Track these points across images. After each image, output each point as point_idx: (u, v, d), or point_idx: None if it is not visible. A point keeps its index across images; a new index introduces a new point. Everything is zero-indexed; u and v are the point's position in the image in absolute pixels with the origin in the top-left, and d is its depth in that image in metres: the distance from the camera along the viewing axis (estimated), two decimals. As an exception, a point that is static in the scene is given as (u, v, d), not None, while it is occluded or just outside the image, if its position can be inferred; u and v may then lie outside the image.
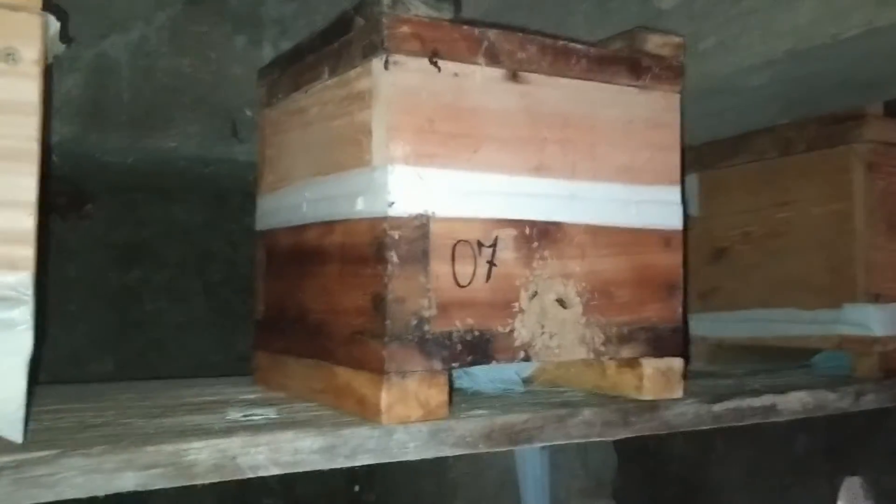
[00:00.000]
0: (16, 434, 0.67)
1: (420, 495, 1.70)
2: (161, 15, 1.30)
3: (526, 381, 1.11)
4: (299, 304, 1.01)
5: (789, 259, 1.38)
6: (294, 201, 1.03)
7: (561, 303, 0.92)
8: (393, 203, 0.83)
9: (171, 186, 1.56)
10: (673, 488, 1.90)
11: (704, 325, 1.52)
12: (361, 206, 0.87)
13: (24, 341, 0.68)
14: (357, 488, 1.70)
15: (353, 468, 1.71)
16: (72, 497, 0.67)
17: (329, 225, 0.94)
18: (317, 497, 1.65)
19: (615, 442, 1.82)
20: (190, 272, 1.61)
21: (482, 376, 1.07)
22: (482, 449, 0.88)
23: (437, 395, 0.85)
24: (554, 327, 0.92)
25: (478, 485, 1.68)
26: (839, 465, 1.87)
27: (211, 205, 1.63)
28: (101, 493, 0.68)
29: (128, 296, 1.53)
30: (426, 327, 0.85)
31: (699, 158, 1.53)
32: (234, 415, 0.87)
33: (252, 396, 1.01)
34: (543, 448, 1.63)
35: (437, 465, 1.69)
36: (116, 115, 1.25)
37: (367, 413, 0.85)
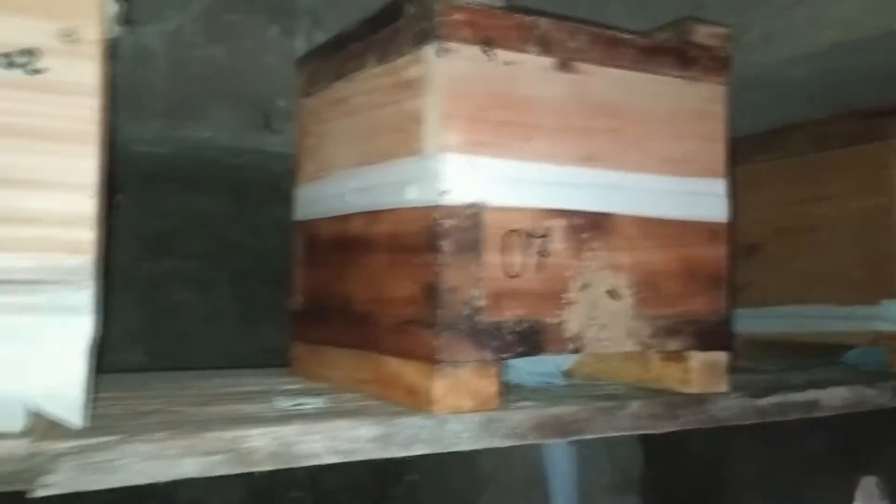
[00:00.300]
0: (77, 419, 0.67)
1: (449, 490, 1.69)
2: (196, 5, 1.30)
3: (565, 374, 1.11)
4: (342, 294, 1.00)
5: (824, 255, 1.37)
6: (336, 191, 1.02)
7: (612, 294, 0.92)
8: (445, 192, 0.83)
9: (199, 177, 1.55)
10: (695, 484, 1.89)
11: (736, 321, 1.51)
12: (412, 195, 0.86)
13: (85, 326, 0.67)
14: (384, 482, 1.70)
15: (380, 463, 1.71)
16: (133, 483, 0.67)
17: (375, 214, 0.94)
18: (343, 490, 1.65)
19: (641, 439, 1.81)
20: (217, 263, 1.60)
21: (523, 369, 1.06)
22: (531, 440, 0.87)
23: (488, 385, 0.85)
24: (604, 319, 0.92)
25: (507, 479, 1.68)
26: (855, 465, 1.87)
27: (237, 196, 1.63)
28: (162, 479, 0.67)
29: (156, 286, 1.53)
30: (477, 317, 0.84)
31: (732, 153, 1.52)
32: (283, 404, 0.86)
33: (294, 386, 1.01)
34: (571, 443, 1.63)
35: (466, 459, 1.69)
36: (153, 105, 1.25)
37: (417, 403, 0.84)
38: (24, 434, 0.65)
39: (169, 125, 1.30)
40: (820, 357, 1.39)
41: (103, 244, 0.69)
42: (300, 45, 1.38)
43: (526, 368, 1.07)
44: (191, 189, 1.57)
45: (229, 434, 0.71)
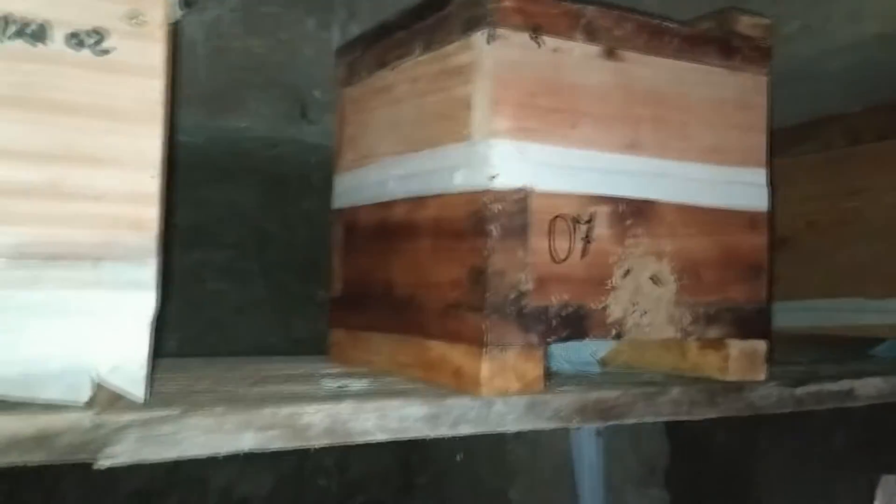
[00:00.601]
0: (139, 393, 0.68)
1: (475, 480, 1.70)
2: (235, -4, 1.31)
3: (601, 363, 1.12)
4: (384, 280, 1.01)
5: (857, 248, 1.38)
6: (379, 178, 1.04)
7: (655, 280, 0.92)
8: (494, 176, 0.84)
9: (234, 168, 1.56)
10: (720, 478, 1.89)
11: (766, 315, 1.52)
12: (460, 181, 0.87)
13: (148, 301, 0.68)
14: (410, 472, 1.71)
15: (406, 452, 1.72)
16: (194, 455, 0.68)
17: (420, 200, 0.95)
18: (370, 478, 1.66)
19: (667, 432, 1.82)
20: (248, 254, 1.62)
21: (559, 356, 1.07)
22: (575, 424, 0.88)
23: (533, 368, 0.86)
24: (646, 305, 0.92)
25: (534, 470, 1.68)
26: (876, 463, 1.87)
27: (270, 188, 1.64)
28: (222, 452, 0.69)
29: (189, 276, 1.54)
30: (524, 301, 0.85)
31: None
32: (330, 384, 0.87)
33: (336, 371, 1.02)
34: (599, 434, 1.64)
35: (492, 450, 1.70)
36: (193, 94, 1.26)
37: (463, 385, 0.85)
38: (87, 406, 0.66)
39: (206, 115, 1.31)
40: (850, 350, 1.39)
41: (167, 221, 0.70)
42: (336, 38, 1.39)
43: (563, 356, 1.07)
44: (226, 180, 1.58)
45: (285, 410, 0.72)
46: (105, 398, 0.67)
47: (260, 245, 1.63)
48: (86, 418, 0.64)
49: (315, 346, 1.23)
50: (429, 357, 0.92)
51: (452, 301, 0.88)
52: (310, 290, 1.62)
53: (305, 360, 1.15)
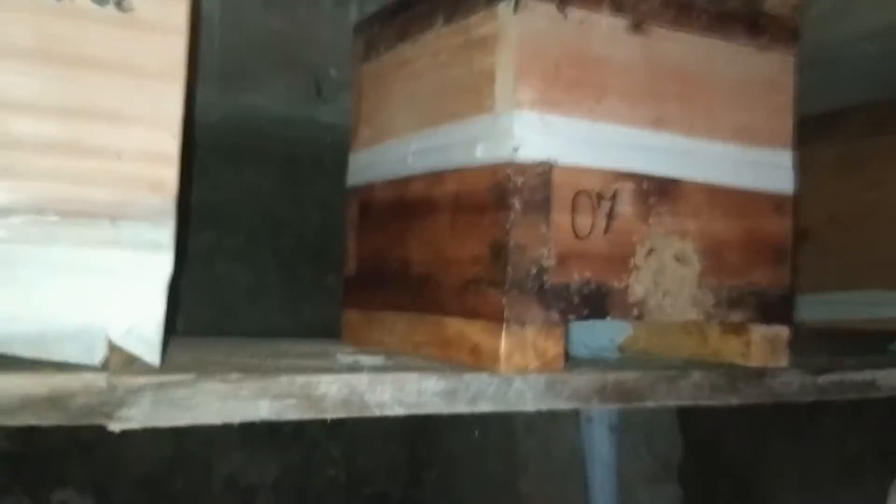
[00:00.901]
0: (154, 357, 0.66)
1: (485, 474, 1.68)
2: (252, -29, 1.29)
3: (619, 349, 1.10)
4: (400, 258, 0.99)
5: (878, 241, 1.35)
6: (396, 154, 1.02)
7: (679, 260, 0.91)
8: (518, 148, 0.82)
9: (245, 150, 1.55)
10: (732, 476, 1.87)
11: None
12: (481, 153, 0.86)
13: (164, 264, 0.67)
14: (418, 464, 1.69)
15: (414, 444, 1.70)
16: (208, 422, 0.66)
17: (439, 175, 0.93)
18: (377, 470, 1.64)
19: (680, 429, 1.79)
20: (260, 238, 1.60)
21: (576, 340, 1.05)
22: (595, 405, 0.87)
23: (553, 346, 0.84)
24: (669, 285, 0.91)
25: (545, 464, 1.66)
26: (888, 466, 1.85)
27: (282, 171, 1.63)
28: (236, 419, 0.67)
29: (200, 258, 1.53)
30: (545, 277, 0.83)
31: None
32: (345, 360, 0.86)
33: (350, 349, 1.00)
34: (612, 429, 1.62)
35: (503, 443, 1.68)
36: (209, 70, 1.24)
37: (481, 363, 0.83)
38: (102, 368, 0.64)
39: (222, 92, 1.29)
40: (871, 344, 1.37)
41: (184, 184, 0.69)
42: (353, 16, 1.37)
43: (581, 341, 1.06)
44: (239, 161, 1.57)
45: (301, 379, 0.70)
46: (119, 361, 0.65)
47: (271, 229, 1.62)
48: (100, 380, 0.63)
49: (325, 332, 1.21)
50: (446, 335, 0.90)
51: (471, 277, 0.86)
52: (321, 275, 1.60)
53: (317, 341, 1.13)
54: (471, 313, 0.86)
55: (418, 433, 1.65)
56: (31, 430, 1.41)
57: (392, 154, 1.03)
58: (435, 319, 0.92)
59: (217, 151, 1.50)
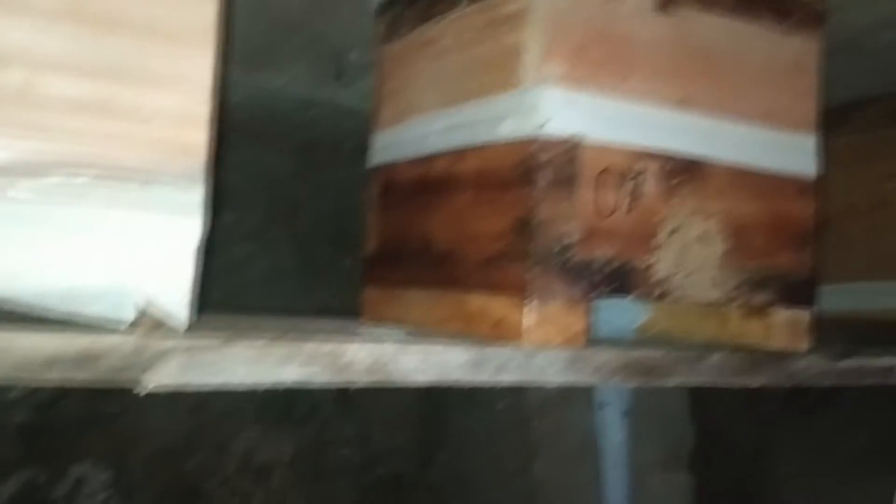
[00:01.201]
0: (182, 319, 0.67)
1: (499, 456, 1.69)
2: (275, -48, 1.30)
3: (638, 331, 1.10)
4: (422, 235, 1.00)
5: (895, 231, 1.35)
6: (418, 133, 1.02)
7: (702, 241, 0.90)
8: (544, 123, 0.82)
9: (265, 131, 1.55)
10: (744, 465, 1.87)
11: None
12: (507, 130, 0.86)
13: (194, 227, 0.67)
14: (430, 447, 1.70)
15: (427, 426, 1.70)
16: (236, 386, 0.67)
17: (462, 153, 0.93)
18: (390, 451, 1.65)
19: (693, 418, 1.79)
20: (278, 220, 1.61)
21: (597, 321, 1.05)
22: (616, 382, 0.86)
23: (576, 322, 0.84)
24: (691, 266, 0.90)
25: (558, 448, 1.67)
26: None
27: (301, 154, 1.63)
28: (263, 384, 0.67)
29: (217, 238, 1.53)
30: (569, 253, 0.83)
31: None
32: (370, 332, 0.86)
33: (371, 326, 1.00)
34: (625, 415, 1.62)
35: (516, 427, 1.68)
36: (231, 49, 1.24)
37: (504, 337, 0.83)
38: (130, 330, 0.65)
39: (243, 72, 1.30)
40: (891, 333, 1.37)
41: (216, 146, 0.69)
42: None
43: (601, 321, 1.06)
44: (254, 143, 1.57)
45: (328, 347, 0.71)
46: (148, 323, 0.66)
47: (289, 212, 1.62)
48: (129, 341, 0.63)
49: (341, 314, 1.21)
50: (468, 310, 0.90)
51: (495, 253, 0.86)
52: (338, 258, 1.61)
53: (337, 320, 1.13)
54: (494, 288, 0.86)
55: (432, 415, 1.66)
56: (49, 405, 1.42)
57: (415, 133, 1.03)
58: (457, 295, 0.92)
59: (238, 133, 1.50)
